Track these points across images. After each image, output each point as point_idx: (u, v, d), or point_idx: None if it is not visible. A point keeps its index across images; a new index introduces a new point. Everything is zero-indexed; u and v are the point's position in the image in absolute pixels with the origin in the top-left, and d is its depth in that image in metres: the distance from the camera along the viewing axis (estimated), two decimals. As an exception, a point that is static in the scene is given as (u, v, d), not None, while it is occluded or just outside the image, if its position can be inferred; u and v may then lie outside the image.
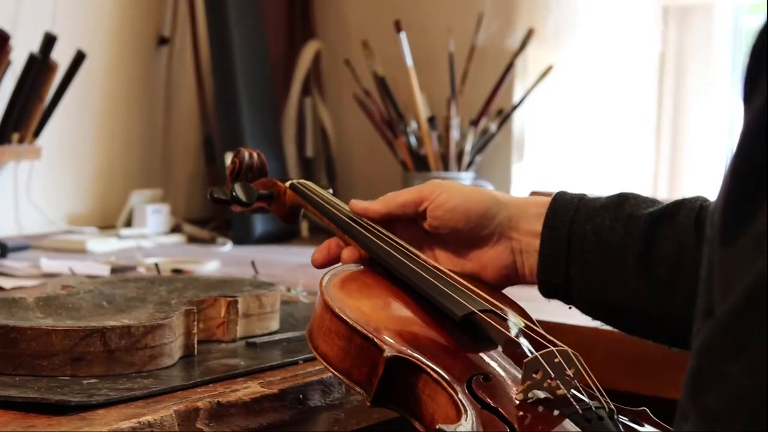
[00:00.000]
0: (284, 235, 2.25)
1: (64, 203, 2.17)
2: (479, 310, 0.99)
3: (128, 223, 2.18)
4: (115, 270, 1.70)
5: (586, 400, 0.91)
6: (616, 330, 1.37)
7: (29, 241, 1.96)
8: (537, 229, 1.05)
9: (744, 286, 0.61)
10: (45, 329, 1.03)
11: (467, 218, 1.07)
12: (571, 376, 0.92)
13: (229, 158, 2.22)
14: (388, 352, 0.94)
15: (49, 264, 1.70)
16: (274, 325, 1.27)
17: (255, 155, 1.26)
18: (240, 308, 1.21)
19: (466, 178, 2.17)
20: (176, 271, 1.73)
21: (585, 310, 1.06)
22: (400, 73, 2.19)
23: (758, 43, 0.64)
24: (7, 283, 1.58)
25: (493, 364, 0.96)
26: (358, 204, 1.12)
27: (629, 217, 1.03)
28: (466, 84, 2.20)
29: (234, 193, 1.21)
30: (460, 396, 0.91)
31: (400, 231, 1.11)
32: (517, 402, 0.91)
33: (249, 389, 1.04)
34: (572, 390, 0.91)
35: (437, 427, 0.88)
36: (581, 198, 1.06)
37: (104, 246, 1.97)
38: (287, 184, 1.23)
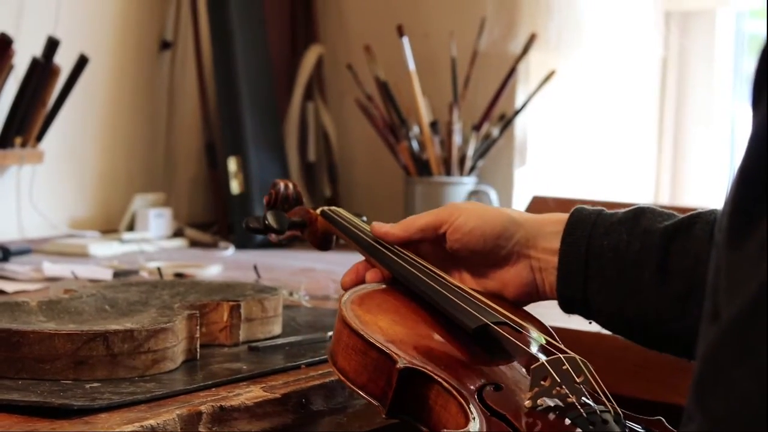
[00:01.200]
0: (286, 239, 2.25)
1: (67, 207, 2.17)
2: (492, 322, 1.01)
3: (131, 227, 2.18)
4: (117, 274, 1.70)
5: (592, 404, 0.91)
6: (617, 336, 1.37)
7: (32, 245, 1.96)
8: (555, 246, 1.07)
9: (750, 291, 0.61)
10: (48, 333, 1.03)
11: (484, 240, 1.08)
12: (580, 383, 0.93)
13: (232, 162, 2.23)
14: (401, 364, 0.95)
15: (51, 268, 1.70)
16: (277, 329, 1.27)
17: (291, 186, 1.28)
18: (242, 312, 1.22)
19: (469, 182, 2.17)
20: (179, 275, 1.73)
21: (604, 325, 1.07)
22: (403, 77, 2.19)
23: (766, 50, 0.64)
24: (10, 286, 1.59)
25: (506, 374, 0.97)
26: (380, 228, 1.15)
27: (645, 231, 1.03)
28: (468, 89, 2.20)
29: (266, 222, 1.24)
30: (470, 405, 0.92)
31: (426, 252, 1.13)
32: (527, 409, 0.91)
33: (251, 393, 1.04)
34: (582, 398, 0.92)
35: (443, 431, 0.88)
36: (598, 213, 1.07)
37: (107, 250, 1.97)
38: (318, 211, 1.26)
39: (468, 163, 2.17)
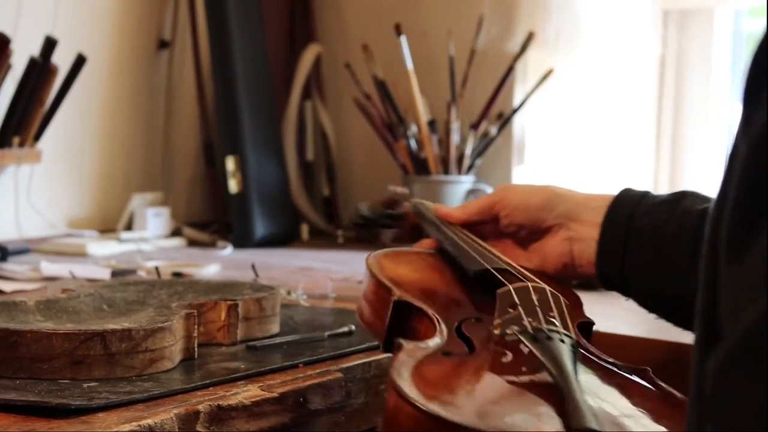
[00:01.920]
0: (284, 238, 2.25)
1: (65, 207, 2.17)
2: (494, 268, 1.07)
3: (129, 227, 2.18)
4: (115, 273, 1.70)
5: (545, 326, 0.93)
6: (616, 333, 1.37)
7: (29, 244, 1.96)
8: (597, 220, 1.10)
9: (761, 306, 0.59)
10: (45, 332, 1.03)
11: (527, 212, 1.14)
12: (548, 314, 0.96)
13: (230, 162, 2.23)
14: (396, 296, 1.03)
15: (49, 267, 1.70)
16: (275, 328, 1.27)
17: (398, 189, 1.43)
18: (240, 311, 1.21)
19: (467, 181, 2.17)
20: (176, 274, 1.73)
21: (641, 303, 1.11)
22: (401, 76, 2.19)
23: (758, 55, 0.63)
24: (8, 286, 1.59)
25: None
26: (441, 208, 1.23)
27: (684, 212, 1.06)
28: (466, 87, 2.20)
29: (361, 213, 1.37)
30: (443, 329, 0.97)
31: (487, 233, 1.20)
32: (496, 337, 0.94)
33: (249, 392, 1.04)
34: (548, 326, 0.93)
35: (396, 340, 0.92)
36: (643, 195, 1.10)
37: (105, 249, 1.97)
38: (410, 203, 1.35)
39: (466, 162, 2.17)
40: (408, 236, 1.36)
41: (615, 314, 1.54)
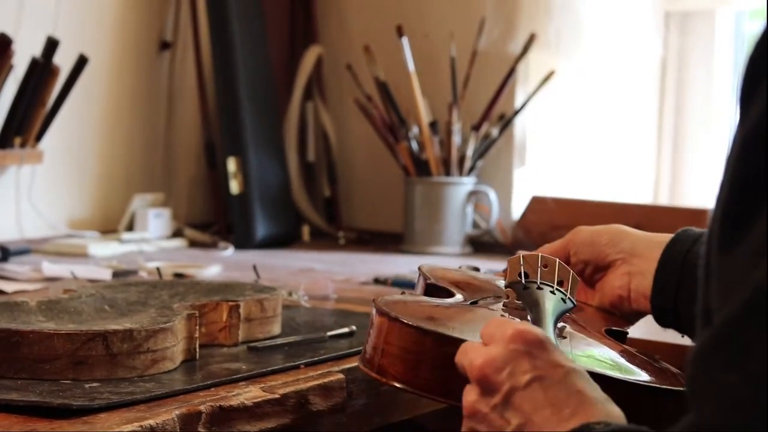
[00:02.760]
0: (286, 239, 2.25)
1: (66, 207, 2.17)
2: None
3: (130, 228, 2.18)
4: (116, 274, 1.70)
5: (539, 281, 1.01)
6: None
7: (31, 245, 1.96)
8: (656, 255, 1.11)
9: (742, 296, 0.61)
10: (47, 333, 1.03)
11: (593, 248, 1.15)
12: (554, 278, 1.01)
13: (231, 163, 2.23)
14: (429, 280, 1.08)
15: (50, 268, 1.70)
16: (276, 329, 1.27)
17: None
18: (242, 312, 1.22)
19: (468, 183, 2.17)
20: (178, 275, 1.73)
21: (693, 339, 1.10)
22: (402, 78, 2.19)
23: (754, 55, 0.64)
24: (9, 286, 1.59)
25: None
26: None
27: None
28: (467, 89, 2.20)
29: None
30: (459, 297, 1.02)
31: None
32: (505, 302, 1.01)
33: (251, 393, 1.04)
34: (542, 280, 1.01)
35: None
36: (702, 232, 1.11)
37: (106, 250, 1.97)
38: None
39: (467, 164, 2.17)
40: None
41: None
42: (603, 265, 1.15)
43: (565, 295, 0.98)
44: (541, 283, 0.99)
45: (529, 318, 0.92)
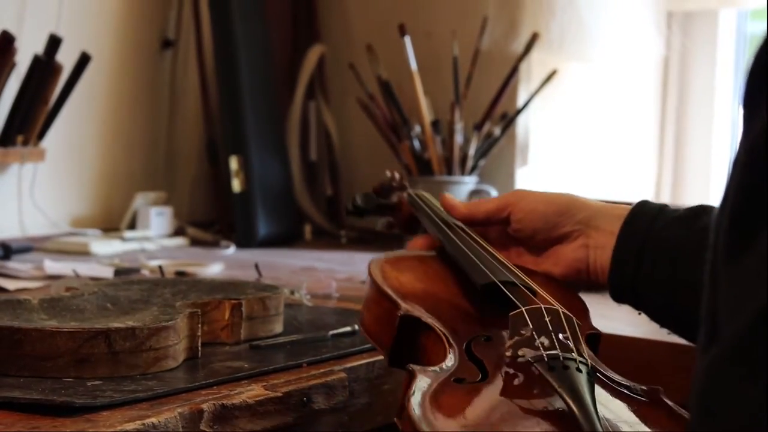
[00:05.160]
0: (288, 238, 2.25)
1: (68, 205, 2.17)
2: (501, 281, 1.04)
3: (132, 226, 2.18)
4: (118, 272, 1.70)
5: (560, 352, 0.89)
6: (618, 334, 1.37)
7: (33, 242, 1.96)
8: (615, 229, 1.09)
9: (756, 306, 0.60)
10: (49, 331, 1.03)
11: (546, 218, 1.12)
12: (562, 336, 0.92)
13: (233, 161, 2.23)
14: (401, 311, 1.00)
15: (52, 266, 1.70)
16: (278, 327, 1.27)
17: (397, 175, 1.40)
18: (244, 311, 1.22)
19: (470, 182, 2.17)
20: (180, 273, 1.73)
21: (653, 317, 1.09)
22: (405, 77, 2.19)
23: (758, 58, 0.63)
24: (11, 284, 1.59)
25: (503, 331, 0.97)
26: (448, 199, 1.21)
27: (703, 228, 1.03)
28: (470, 88, 2.20)
29: (357, 202, 1.36)
30: (454, 349, 0.94)
31: (492, 237, 1.17)
32: (507, 359, 0.91)
33: (253, 392, 1.04)
34: (563, 352, 0.89)
35: (408, 365, 0.90)
36: (661, 208, 1.09)
37: (108, 248, 1.98)
38: (405, 194, 1.34)
39: (469, 163, 2.17)
40: (403, 226, 1.35)
41: (616, 315, 1.54)
42: (556, 236, 1.12)
43: (587, 365, 0.89)
44: (564, 358, 0.88)
45: (567, 407, 0.82)
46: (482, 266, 1.08)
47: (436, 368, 0.90)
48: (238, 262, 1.94)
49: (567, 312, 0.97)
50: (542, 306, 0.96)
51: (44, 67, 1.95)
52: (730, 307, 0.62)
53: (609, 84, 2.34)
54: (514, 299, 1.01)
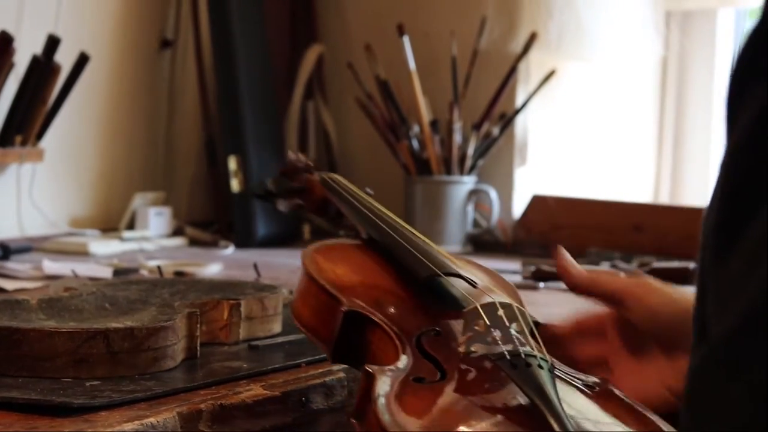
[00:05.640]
0: (286, 238, 2.25)
1: (67, 205, 2.17)
2: (444, 273, 1.03)
3: (131, 226, 2.18)
4: (117, 272, 1.70)
5: (521, 349, 0.88)
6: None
7: (32, 243, 1.96)
8: None
9: (740, 306, 0.60)
10: (48, 331, 1.03)
11: (668, 324, 0.96)
12: (516, 331, 0.91)
13: (232, 161, 2.23)
14: (345, 306, 0.98)
15: (51, 266, 1.70)
16: (277, 327, 1.27)
17: (302, 157, 1.37)
18: (242, 311, 1.21)
19: (469, 182, 2.17)
20: (179, 273, 1.73)
21: None
22: (403, 76, 2.19)
23: (740, 59, 0.63)
24: (10, 284, 1.59)
25: (451, 323, 0.97)
26: (566, 261, 1.02)
27: None
28: (468, 88, 2.20)
29: (266, 187, 1.32)
30: (405, 346, 0.93)
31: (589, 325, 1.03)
32: (461, 355, 0.90)
33: (251, 392, 1.04)
34: (517, 346, 0.88)
35: (364, 366, 0.87)
36: None
37: (107, 248, 1.98)
38: (318, 177, 1.31)
39: (468, 163, 2.17)
40: (314, 209, 1.33)
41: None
42: (668, 349, 0.95)
43: (547, 362, 0.87)
44: (526, 354, 0.87)
45: (534, 406, 0.80)
46: (422, 258, 1.05)
47: (393, 368, 0.88)
48: (237, 262, 1.93)
49: (520, 306, 0.97)
50: (496, 301, 0.95)
51: (43, 67, 1.95)
52: (717, 309, 0.62)
53: (608, 84, 2.34)
54: (460, 291, 1.01)
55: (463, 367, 0.89)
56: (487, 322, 0.92)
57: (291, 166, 1.35)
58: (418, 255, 1.06)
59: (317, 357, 1.16)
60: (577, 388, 0.91)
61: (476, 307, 0.94)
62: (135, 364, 1.05)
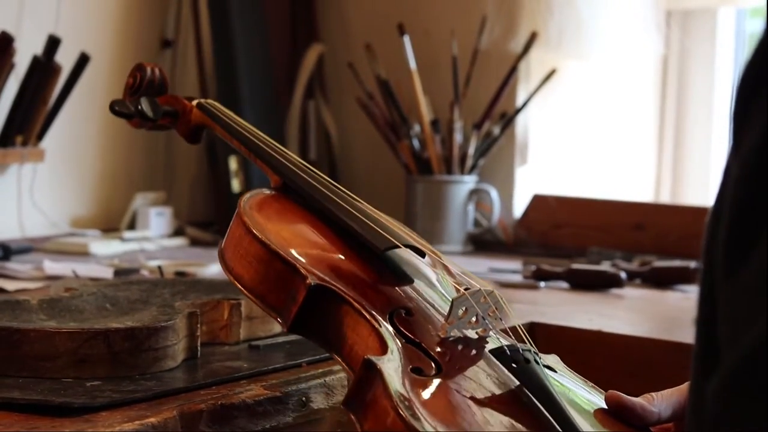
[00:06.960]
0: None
1: (68, 206, 2.17)
2: (403, 245, 1.01)
3: (131, 226, 2.18)
4: (118, 272, 1.70)
5: (512, 341, 0.91)
6: (618, 333, 1.36)
7: (32, 243, 1.96)
8: None
9: (758, 329, 0.58)
10: (48, 331, 1.03)
11: None
12: (498, 317, 0.93)
13: (233, 161, 2.23)
14: (311, 280, 0.95)
15: (52, 266, 1.70)
16: (277, 327, 1.27)
17: (157, 70, 1.27)
18: (243, 311, 1.22)
19: (469, 181, 2.17)
20: (179, 273, 1.73)
21: None
22: (404, 76, 2.19)
23: (748, 71, 0.62)
24: (11, 285, 1.59)
25: (414, 299, 0.96)
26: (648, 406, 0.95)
27: None
28: (469, 87, 2.20)
29: (140, 107, 1.23)
30: (382, 328, 0.91)
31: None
32: (439, 338, 0.91)
33: (252, 391, 1.04)
34: (497, 332, 0.91)
35: (365, 357, 0.86)
36: None
37: (107, 248, 1.98)
38: (194, 102, 1.25)
39: (469, 162, 2.17)
40: (187, 135, 1.26)
41: (616, 314, 1.54)
42: None
43: (537, 355, 0.89)
44: (523, 350, 0.88)
45: (540, 407, 0.82)
46: (376, 228, 1.03)
47: (390, 356, 0.87)
48: (238, 262, 1.93)
49: (501, 295, 0.97)
50: (482, 289, 0.95)
51: (43, 67, 1.95)
52: (732, 328, 0.61)
53: (608, 83, 2.34)
54: (415, 266, 0.99)
55: (444, 350, 0.90)
56: (471, 309, 0.93)
57: (146, 80, 1.26)
58: (370, 224, 1.04)
59: (318, 357, 1.16)
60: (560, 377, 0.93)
61: (465, 296, 0.94)
62: (135, 364, 1.05)
